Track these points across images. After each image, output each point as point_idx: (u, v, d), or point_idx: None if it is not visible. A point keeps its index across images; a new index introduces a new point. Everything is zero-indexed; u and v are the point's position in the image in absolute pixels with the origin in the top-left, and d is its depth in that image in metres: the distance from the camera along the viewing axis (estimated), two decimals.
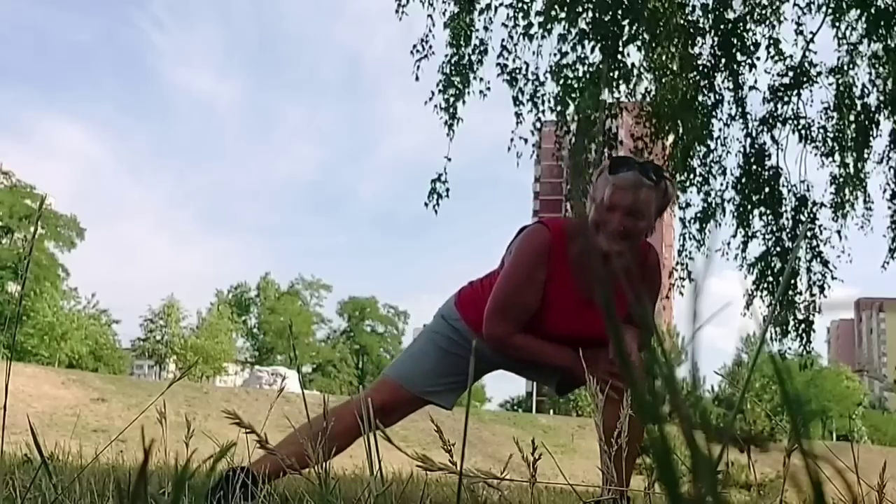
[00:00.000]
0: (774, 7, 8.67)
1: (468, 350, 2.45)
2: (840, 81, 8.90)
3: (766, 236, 8.89)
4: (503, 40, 8.22)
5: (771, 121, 8.93)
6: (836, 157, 9.08)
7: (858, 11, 8.44)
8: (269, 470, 2.28)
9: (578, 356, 2.23)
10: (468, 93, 8.24)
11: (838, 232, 9.03)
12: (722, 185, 9.08)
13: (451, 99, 8.20)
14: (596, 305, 2.30)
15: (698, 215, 9.16)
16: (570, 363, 2.29)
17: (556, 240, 2.33)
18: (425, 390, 2.50)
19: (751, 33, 8.62)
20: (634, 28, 8.07)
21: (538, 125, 8.53)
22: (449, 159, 8.25)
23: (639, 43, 8.22)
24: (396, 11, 8.22)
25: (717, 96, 8.78)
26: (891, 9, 8.08)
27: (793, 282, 8.66)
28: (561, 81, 8.15)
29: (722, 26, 8.51)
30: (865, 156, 9.12)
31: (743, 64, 8.62)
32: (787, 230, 8.85)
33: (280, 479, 2.39)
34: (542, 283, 2.34)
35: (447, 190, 8.19)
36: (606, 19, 7.95)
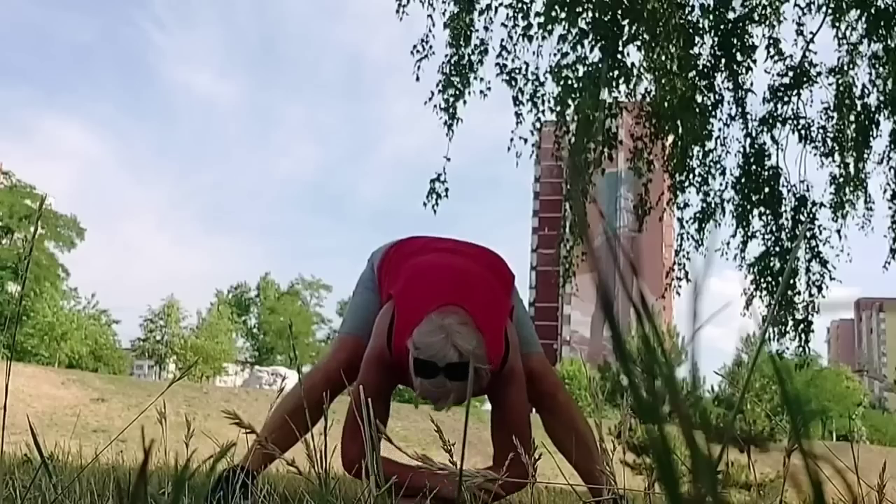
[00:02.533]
0: (774, 7, 8.67)
1: None
2: (840, 81, 8.90)
3: (766, 236, 8.89)
4: (503, 40, 8.22)
5: (771, 121, 8.93)
6: (836, 157, 9.07)
7: (858, 11, 8.44)
8: (263, 463, 2.29)
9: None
10: (468, 93, 8.25)
11: (838, 231, 9.03)
12: (721, 185, 9.09)
13: (451, 99, 8.20)
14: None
15: (697, 215, 9.17)
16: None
17: (376, 373, 2.25)
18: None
19: (751, 33, 8.62)
20: (634, 28, 8.07)
21: (538, 125, 8.53)
22: (448, 159, 8.26)
23: (639, 43, 8.22)
24: (397, 11, 8.22)
25: (716, 96, 8.78)
26: (891, 9, 8.08)
27: (792, 282, 8.65)
28: (561, 81, 8.16)
29: (722, 26, 8.51)
30: (865, 156, 9.11)
31: (743, 64, 8.62)
32: (787, 230, 8.85)
33: (267, 467, 2.39)
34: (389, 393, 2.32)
35: (446, 190, 8.20)
36: (606, 19, 7.95)
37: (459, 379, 2.05)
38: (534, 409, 2.50)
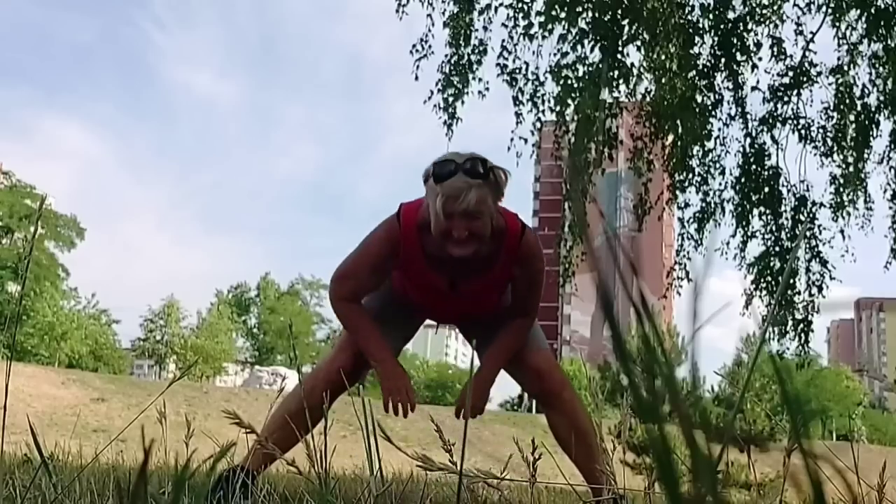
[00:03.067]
0: (774, 7, 8.67)
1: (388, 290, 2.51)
2: (840, 81, 8.90)
3: (766, 236, 8.89)
4: (503, 40, 8.22)
5: (771, 121, 8.93)
6: (836, 157, 9.07)
7: (858, 11, 8.44)
8: (263, 463, 2.29)
9: (390, 365, 2.34)
10: (467, 93, 8.25)
11: (842, 231, 9.03)
12: (721, 184, 9.09)
13: (451, 98, 8.20)
14: (453, 292, 2.40)
15: (697, 215, 9.17)
16: (380, 362, 2.35)
17: (406, 234, 2.33)
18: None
19: (751, 33, 8.62)
20: (634, 28, 8.07)
21: (538, 125, 8.53)
22: None
23: (639, 43, 8.22)
24: (396, 11, 8.22)
25: (716, 96, 8.78)
26: (891, 9, 8.07)
27: (792, 282, 8.65)
28: (561, 81, 8.15)
29: (722, 26, 8.51)
30: (865, 156, 9.11)
31: (743, 64, 8.62)
32: (787, 230, 8.85)
33: (267, 468, 2.40)
34: (389, 270, 2.42)
35: None
36: (606, 19, 7.95)
37: (478, 177, 2.15)
38: (538, 407, 2.52)
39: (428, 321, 2.65)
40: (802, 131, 8.94)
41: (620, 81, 8.36)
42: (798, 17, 8.73)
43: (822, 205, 9.08)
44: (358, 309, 2.41)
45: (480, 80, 8.29)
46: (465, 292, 2.40)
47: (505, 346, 2.45)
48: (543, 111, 8.33)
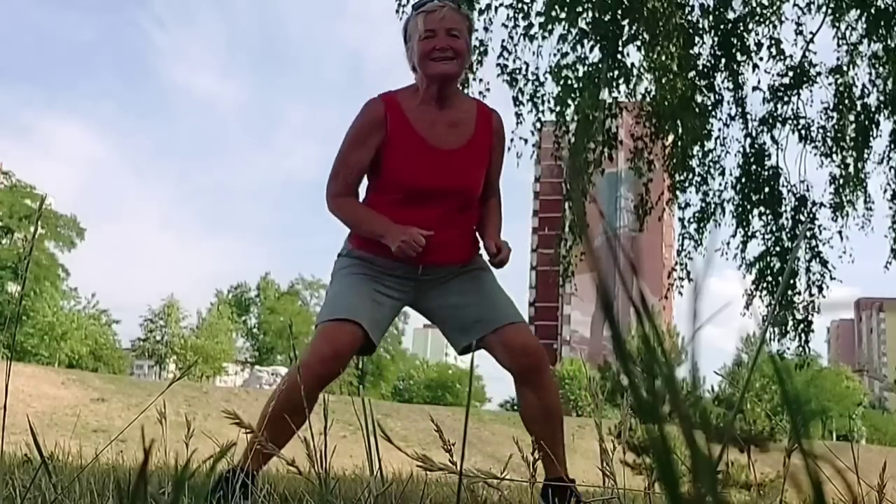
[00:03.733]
0: (774, 7, 8.67)
1: (371, 268, 2.49)
2: (840, 81, 8.91)
3: (766, 236, 8.90)
4: (503, 41, 8.22)
5: (771, 121, 8.93)
6: (836, 157, 9.08)
7: (858, 11, 8.45)
8: (261, 461, 2.27)
9: (393, 226, 2.37)
10: (467, 93, 8.25)
11: (839, 232, 9.03)
12: (721, 184, 9.10)
13: None
14: (452, 156, 2.47)
15: (697, 215, 9.17)
16: (383, 231, 2.39)
17: (390, 106, 2.47)
18: (358, 315, 2.41)
19: (751, 33, 8.62)
20: (634, 28, 8.07)
21: (538, 125, 8.53)
22: None
23: (639, 43, 8.22)
24: (397, 11, 8.21)
25: (716, 96, 8.78)
26: (891, 9, 8.08)
27: (792, 282, 8.66)
28: (561, 81, 8.16)
29: (722, 26, 8.51)
30: (865, 156, 9.11)
31: (743, 64, 8.62)
32: (787, 230, 8.85)
33: (262, 468, 2.38)
34: (374, 147, 2.46)
35: None
36: (606, 19, 7.95)
37: (451, 1, 2.42)
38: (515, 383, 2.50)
39: (424, 321, 2.63)
40: (802, 131, 8.94)
41: (620, 81, 8.36)
42: (798, 18, 8.73)
43: (822, 205, 9.09)
44: (350, 201, 2.51)
45: (481, 80, 8.30)
46: (453, 156, 2.47)
47: (495, 216, 2.61)
48: (543, 111, 8.33)
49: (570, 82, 8.14)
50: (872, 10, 8.18)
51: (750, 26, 8.60)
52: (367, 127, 2.46)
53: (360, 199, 2.57)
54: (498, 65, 8.25)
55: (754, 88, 8.77)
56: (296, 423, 1.91)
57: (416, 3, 2.49)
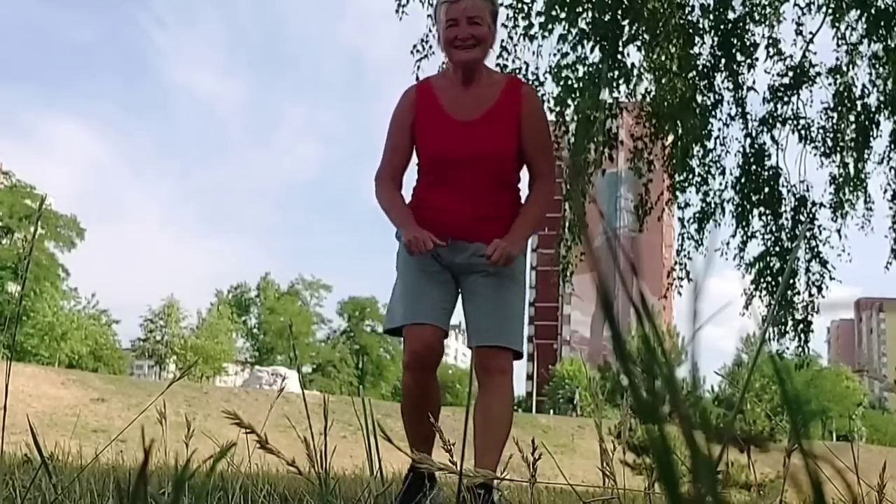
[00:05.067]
0: (774, 7, 8.67)
1: (430, 262, 2.58)
2: (840, 81, 8.90)
3: (766, 236, 8.89)
4: (503, 40, 8.21)
5: (771, 121, 8.93)
6: (836, 157, 9.07)
7: (858, 11, 8.44)
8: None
9: (410, 223, 2.52)
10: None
11: (838, 231, 9.03)
12: (721, 184, 9.09)
13: None
14: (472, 125, 2.60)
15: (697, 215, 9.16)
16: (401, 225, 2.56)
17: (421, 90, 2.71)
18: (429, 317, 2.54)
19: (751, 33, 8.62)
20: (634, 28, 8.07)
21: None
22: None
23: (639, 43, 8.21)
24: (396, 11, 8.22)
25: (716, 96, 8.78)
26: (891, 9, 8.07)
27: (792, 282, 8.65)
28: (561, 81, 8.15)
29: (722, 26, 8.51)
30: (865, 156, 9.11)
31: (743, 64, 8.62)
32: (787, 230, 8.85)
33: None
34: (409, 126, 2.66)
35: None
36: (606, 19, 7.95)
37: None
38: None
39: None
40: (802, 131, 8.94)
41: (620, 81, 8.35)
42: (798, 18, 8.73)
43: (822, 205, 9.08)
44: (387, 188, 2.66)
45: None
46: (473, 126, 2.60)
47: (529, 210, 2.64)
48: None
49: (570, 82, 8.13)
50: (872, 10, 8.18)
51: (750, 26, 8.60)
52: (401, 110, 2.69)
53: (406, 185, 2.75)
54: (497, 65, 8.24)
55: (753, 88, 8.76)
56: (430, 411, 2.15)
57: None
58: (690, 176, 9.06)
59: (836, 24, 8.74)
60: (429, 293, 2.56)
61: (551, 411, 42.61)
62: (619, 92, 8.48)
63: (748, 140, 8.94)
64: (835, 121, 9.01)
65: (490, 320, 2.57)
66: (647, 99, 8.67)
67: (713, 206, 9.07)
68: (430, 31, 8.28)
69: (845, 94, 8.88)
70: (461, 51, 2.55)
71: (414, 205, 2.66)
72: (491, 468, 2.43)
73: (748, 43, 8.57)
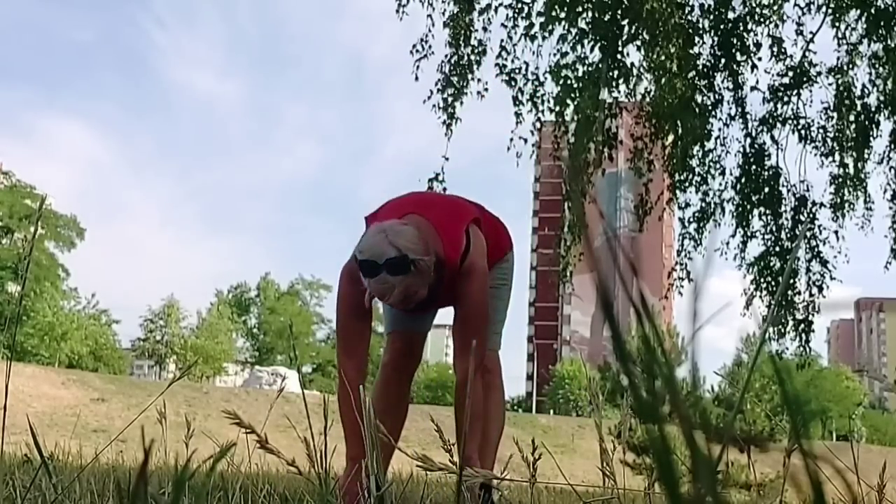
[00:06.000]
0: (774, 7, 8.66)
1: None
2: (840, 81, 8.90)
3: (766, 236, 8.89)
4: (502, 40, 8.22)
5: (771, 121, 8.92)
6: (836, 157, 9.07)
7: (858, 11, 8.44)
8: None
9: (355, 463, 2.23)
10: (467, 93, 8.25)
11: (835, 232, 9.02)
12: (721, 184, 9.09)
13: (450, 98, 8.20)
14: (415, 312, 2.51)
15: (697, 215, 9.16)
16: (349, 457, 2.31)
17: (348, 283, 2.45)
18: (397, 326, 2.70)
19: (751, 33, 8.62)
20: (634, 28, 8.07)
21: (538, 125, 8.52)
22: (447, 158, 8.26)
23: (638, 43, 8.21)
24: (397, 11, 8.22)
25: (716, 96, 8.77)
26: (891, 9, 8.07)
27: (792, 282, 8.65)
28: (561, 81, 8.15)
29: (722, 26, 8.50)
30: (865, 156, 9.11)
31: (743, 64, 8.61)
32: (787, 230, 8.84)
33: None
34: (365, 307, 2.46)
35: (444, 189, 8.19)
36: (606, 19, 7.95)
37: (400, 273, 2.22)
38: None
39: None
40: (802, 131, 8.93)
41: (620, 81, 8.35)
42: (798, 17, 8.73)
43: (822, 205, 9.08)
44: (349, 398, 2.35)
45: (480, 80, 8.29)
46: (425, 309, 2.53)
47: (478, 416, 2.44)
48: (543, 111, 8.32)
49: (569, 82, 8.13)
50: (872, 10, 8.18)
51: (750, 26, 8.59)
52: (353, 293, 2.46)
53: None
54: (497, 65, 8.24)
55: (753, 88, 8.76)
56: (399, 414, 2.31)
57: (363, 265, 2.27)
58: (690, 176, 9.05)
59: (836, 24, 8.73)
60: (404, 316, 2.65)
61: (551, 411, 42.64)
62: (618, 92, 8.48)
63: (748, 140, 8.94)
64: (835, 121, 9.00)
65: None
66: (647, 99, 8.67)
67: (713, 206, 9.07)
68: (429, 31, 8.29)
69: (845, 93, 8.88)
70: (395, 306, 2.38)
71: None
72: (488, 467, 2.44)
73: (748, 43, 8.57)
